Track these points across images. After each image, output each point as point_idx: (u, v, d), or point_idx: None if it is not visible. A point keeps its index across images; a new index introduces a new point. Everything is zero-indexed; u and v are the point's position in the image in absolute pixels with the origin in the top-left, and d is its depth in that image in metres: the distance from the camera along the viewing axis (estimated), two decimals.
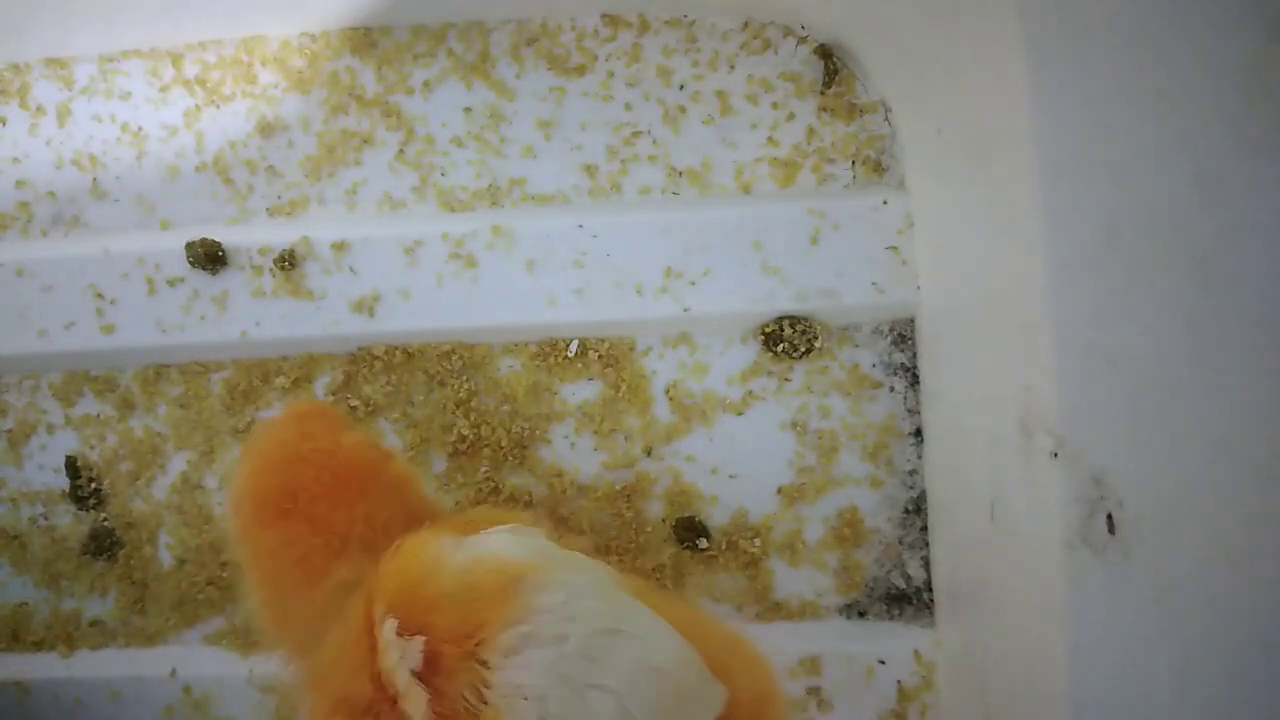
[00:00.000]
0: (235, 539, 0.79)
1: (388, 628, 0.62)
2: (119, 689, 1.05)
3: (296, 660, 0.75)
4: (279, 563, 0.74)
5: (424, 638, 0.60)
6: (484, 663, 0.59)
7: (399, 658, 0.61)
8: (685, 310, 1.01)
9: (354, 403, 1.04)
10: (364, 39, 1.08)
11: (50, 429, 1.06)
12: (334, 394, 1.03)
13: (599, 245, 1.01)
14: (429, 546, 0.66)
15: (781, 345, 1.02)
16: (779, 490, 1.02)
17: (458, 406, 1.03)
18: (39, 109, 1.09)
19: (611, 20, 1.08)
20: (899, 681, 0.97)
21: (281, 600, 0.74)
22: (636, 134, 1.07)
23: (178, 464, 1.06)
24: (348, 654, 0.65)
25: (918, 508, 1.02)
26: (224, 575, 1.06)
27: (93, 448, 1.06)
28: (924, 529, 1.01)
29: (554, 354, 1.04)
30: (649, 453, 1.03)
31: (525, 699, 0.58)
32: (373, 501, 0.75)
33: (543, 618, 0.61)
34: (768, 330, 1.02)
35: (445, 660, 0.60)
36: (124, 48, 1.09)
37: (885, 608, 1.01)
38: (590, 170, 1.07)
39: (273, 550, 0.74)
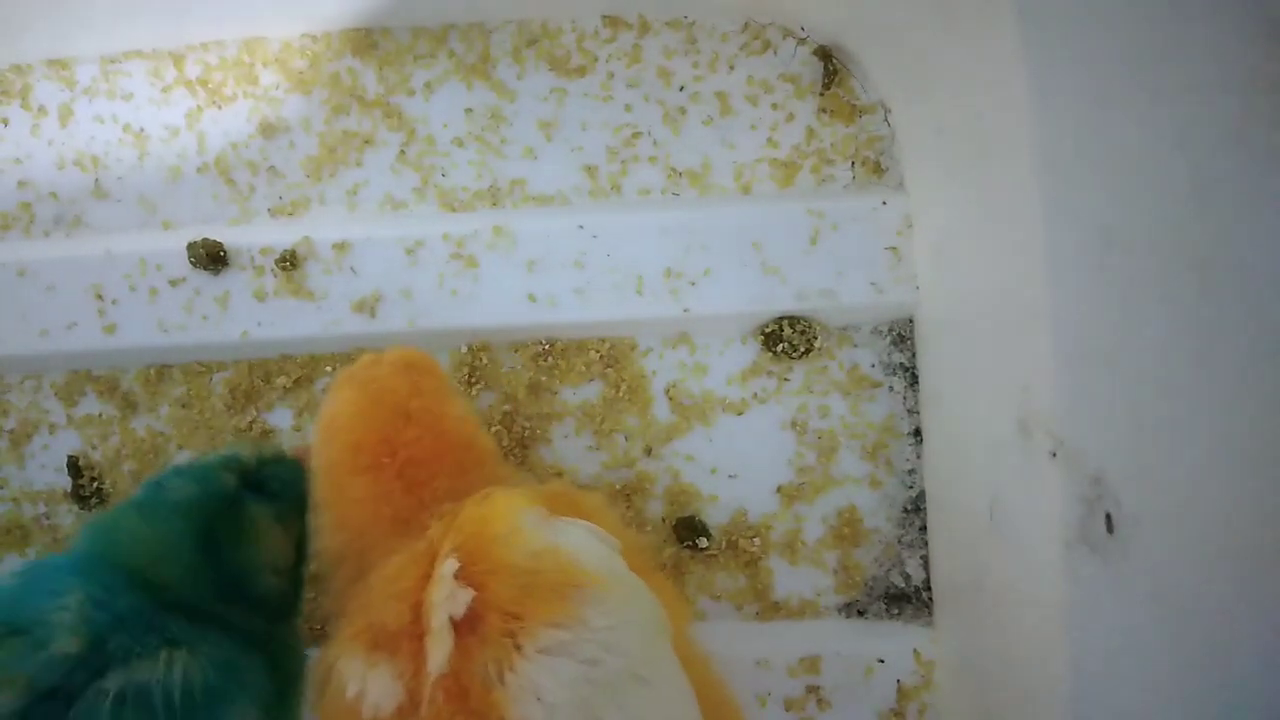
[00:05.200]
0: (321, 475, 0.77)
1: (449, 565, 0.63)
2: None
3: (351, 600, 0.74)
4: (369, 514, 0.73)
5: (475, 593, 0.61)
6: (519, 647, 0.60)
7: (446, 597, 0.61)
8: (685, 310, 1.01)
9: None
10: (365, 40, 1.08)
11: (52, 429, 1.06)
12: None
13: (599, 245, 1.01)
14: (516, 511, 0.67)
15: (781, 345, 1.02)
16: (778, 490, 1.03)
17: None
18: (41, 109, 1.10)
19: (612, 21, 1.08)
20: (898, 681, 0.97)
21: (361, 548, 0.73)
22: (636, 135, 1.07)
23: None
24: (402, 576, 0.65)
25: (917, 507, 1.02)
26: None
27: (95, 447, 1.06)
28: (923, 528, 1.01)
29: (554, 354, 1.04)
30: (649, 452, 1.03)
31: (539, 699, 0.59)
32: (464, 476, 0.74)
33: (586, 634, 0.61)
34: (767, 330, 1.02)
35: (485, 625, 0.61)
36: (126, 48, 1.09)
37: (884, 607, 1.02)
38: (590, 171, 1.07)
39: (362, 500, 0.73)
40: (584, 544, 0.67)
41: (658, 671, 0.65)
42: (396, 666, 0.62)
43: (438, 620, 0.61)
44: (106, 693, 0.63)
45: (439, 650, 0.61)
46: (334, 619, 0.73)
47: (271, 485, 0.82)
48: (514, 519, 0.66)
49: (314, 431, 0.80)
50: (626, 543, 0.72)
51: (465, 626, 0.61)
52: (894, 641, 0.98)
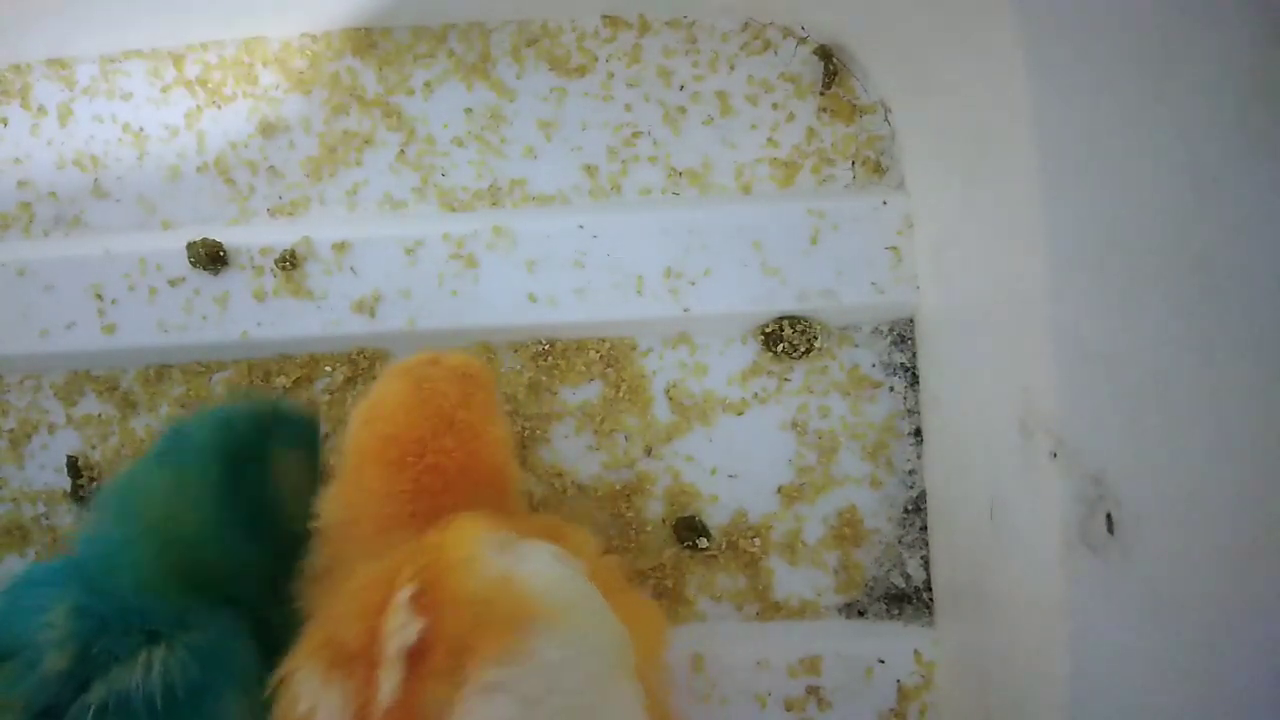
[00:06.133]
0: (346, 452, 0.77)
1: (403, 592, 0.62)
2: None
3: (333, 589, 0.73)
4: (372, 506, 0.72)
5: (426, 623, 0.60)
6: (460, 684, 0.59)
7: (399, 626, 0.60)
8: (685, 310, 1.01)
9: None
10: (365, 40, 1.08)
11: (52, 429, 1.06)
12: (334, 393, 1.04)
13: (599, 245, 1.01)
14: (475, 537, 0.66)
15: (781, 345, 1.02)
16: (779, 490, 1.03)
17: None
18: (40, 109, 1.10)
19: (612, 21, 1.08)
20: (899, 681, 0.97)
21: (352, 534, 0.73)
22: (637, 134, 1.07)
23: None
24: (366, 593, 0.64)
25: (917, 507, 1.02)
26: None
27: (94, 448, 1.06)
28: (924, 529, 1.01)
29: (554, 354, 1.04)
30: (649, 452, 1.03)
31: None
32: (477, 500, 0.73)
33: (530, 670, 0.60)
34: (768, 330, 1.02)
35: (432, 659, 0.60)
36: (125, 48, 1.09)
37: (885, 607, 1.02)
38: (590, 170, 1.07)
39: (373, 491, 0.73)
40: (543, 569, 0.65)
41: (606, 707, 0.64)
42: (349, 689, 0.61)
43: (390, 649, 0.60)
44: (89, 707, 0.63)
45: (388, 682, 0.59)
46: (304, 605, 0.73)
47: (291, 430, 0.83)
48: (472, 545, 0.65)
49: (354, 412, 0.79)
50: (598, 563, 0.71)
51: (415, 657, 0.60)
52: (894, 642, 0.98)
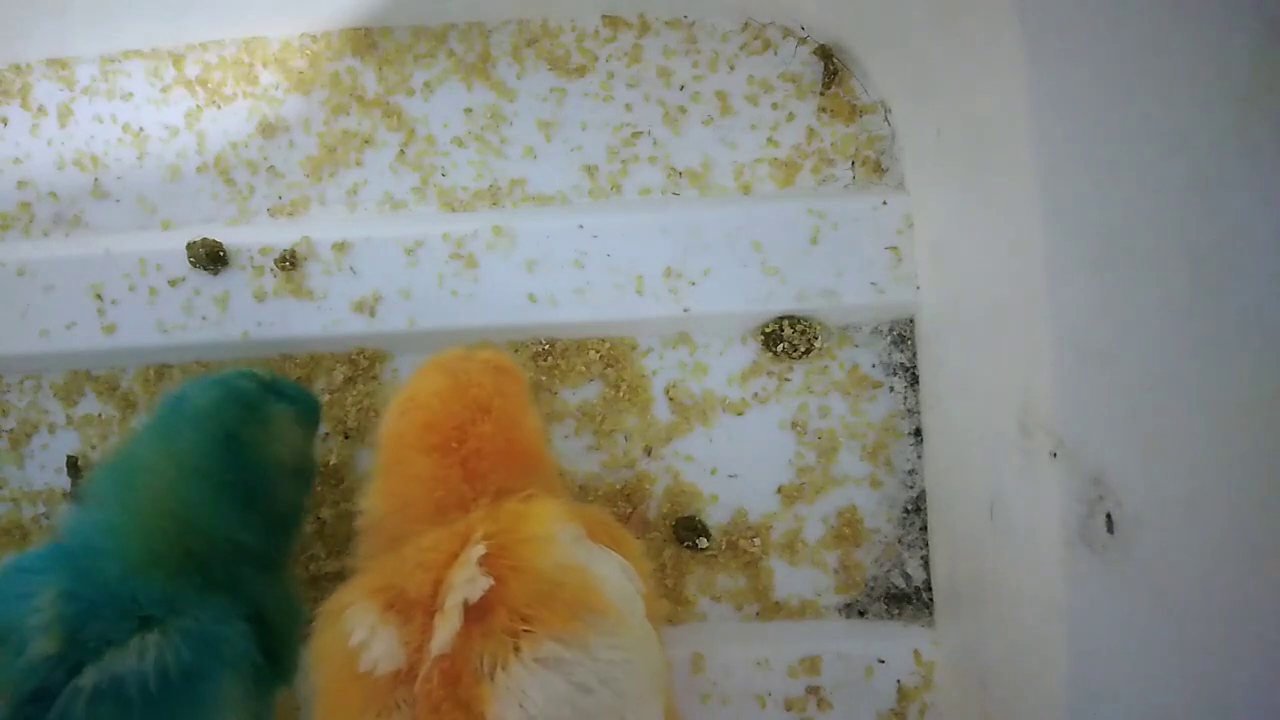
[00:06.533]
0: (386, 443, 0.78)
1: (476, 550, 0.64)
2: None
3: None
4: (421, 492, 0.74)
5: (494, 583, 0.62)
6: (518, 649, 0.61)
7: (465, 580, 0.62)
8: (685, 310, 1.01)
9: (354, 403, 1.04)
10: (365, 40, 1.08)
11: (52, 429, 1.06)
12: (333, 393, 1.04)
13: (599, 245, 1.01)
14: (555, 520, 0.68)
15: (781, 345, 1.02)
16: (779, 490, 1.02)
17: None
18: (40, 109, 1.10)
19: (612, 21, 1.08)
20: (898, 681, 0.97)
21: (402, 521, 0.74)
22: (637, 134, 1.07)
23: None
24: (434, 549, 0.66)
25: (917, 507, 1.02)
26: None
27: (94, 447, 1.06)
28: (924, 529, 1.01)
29: (554, 354, 1.04)
30: (649, 452, 1.03)
31: (521, 706, 0.60)
32: (522, 482, 0.75)
33: (586, 660, 0.62)
34: (768, 330, 1.02)
35: (493, 618, 0.62)
36: (125, 48, 1.09)
37: (885, 607, 1.02)
38: (590, 170, 1.07)
39: (419, 477, 0.74)
40: (612, 575, 0.68)
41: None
42: (405, 633, 0.63)
43: (451, 600, 0.62)
44: (82, 690, 0.63)
45: (445, 630, 0.61)
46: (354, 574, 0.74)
47: (287, 392, 0.83)
48: (551, 527, 0.67)
49: (391, 405, 0.81)
50: (648, 593, 0.73)
51: (475, 614, 0.62)
52: (894, 642, 0.98)
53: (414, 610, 0.64)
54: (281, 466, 0.79)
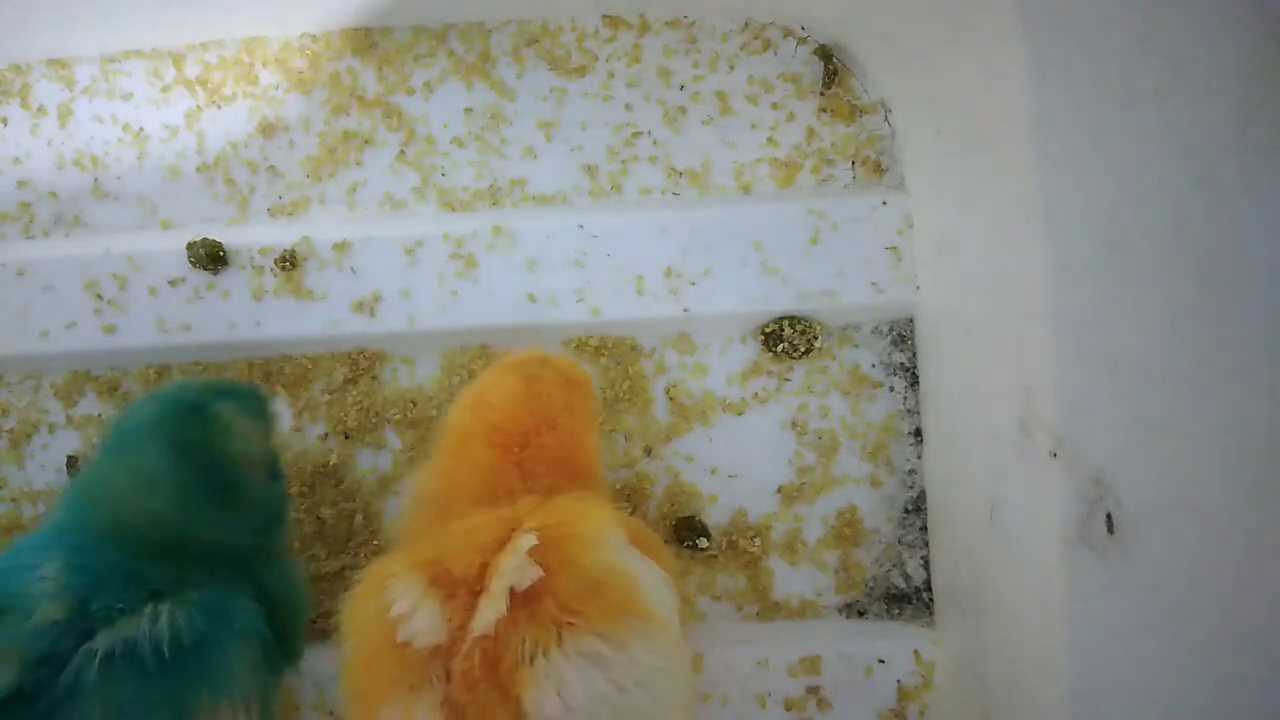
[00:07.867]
0: (451, 429, 0.80)
1: (527, 539, 0.66)
2: None
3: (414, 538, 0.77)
4: (480, 478, 0.76)
5: (542, 573, 0.64)
6: (561, 639, 0.63)
7: (516, 566, 0.64)
8: (685, 310, 1.01)
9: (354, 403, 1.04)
10: (365, 40, 1.08)
11: (52, 429, 1.06)
12: (333, 393, 1.04)
13: (599, 245, 1.01)
14: (605, 523, 0.70)
15: (781, 345, 1.02)
16: (779, 490, 1.02)
17: None
18: (40, 109, 1.10)
19: (612, 21, 1.08)
20: (898, 681, 0.97)
21: (454, 500, 0.76)
22: (637, 134, 1.07)
23: None
24: (483, 531, 0.68)
25: (917, 507, 1.02)
26: None
27: (94, 448, 1.06)
28: (923, 529, 1.01)
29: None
30: (649, 452, 1.03)
31: (559, 695, 0.61)
32: (569, 488, 0.76)
33: (627, 661, 0.64)
34: (768, 330, 1.02)
35: (539, 607, 0.64)
36: (125, 48, 1.09)
37: (885, 607, 1.02)
38: (590, 170, 1.07)
39: (482, 466, 0.76)
40: (654, 585, 0.69)
41: None
42: (447, 610, 0.65)
43: (499, 584, 0.63)
44: (95, 653, 0.65)
45: (490, 611, 0.63)
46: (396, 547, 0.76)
47: (228, 389, 0.84)
48: (602, 529, 0.69)
49: (461, 395, 0.83)
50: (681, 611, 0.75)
51: (521, 600, 0.63)
52: (894, 642, 0.98)
53: (458, 588, 0.65)
54: (243, 460, 0.79)
